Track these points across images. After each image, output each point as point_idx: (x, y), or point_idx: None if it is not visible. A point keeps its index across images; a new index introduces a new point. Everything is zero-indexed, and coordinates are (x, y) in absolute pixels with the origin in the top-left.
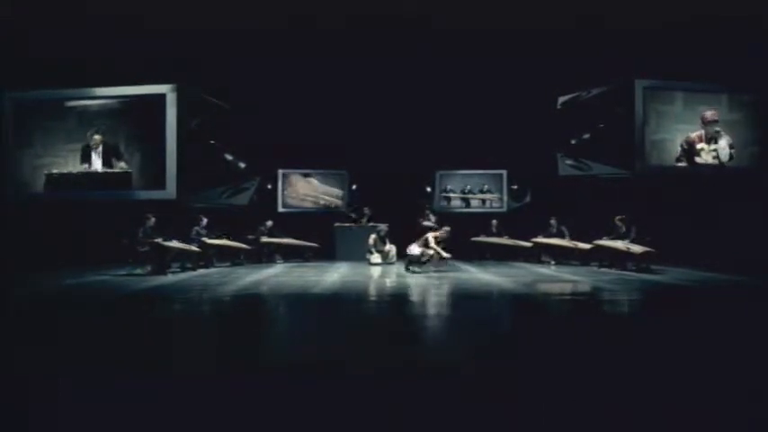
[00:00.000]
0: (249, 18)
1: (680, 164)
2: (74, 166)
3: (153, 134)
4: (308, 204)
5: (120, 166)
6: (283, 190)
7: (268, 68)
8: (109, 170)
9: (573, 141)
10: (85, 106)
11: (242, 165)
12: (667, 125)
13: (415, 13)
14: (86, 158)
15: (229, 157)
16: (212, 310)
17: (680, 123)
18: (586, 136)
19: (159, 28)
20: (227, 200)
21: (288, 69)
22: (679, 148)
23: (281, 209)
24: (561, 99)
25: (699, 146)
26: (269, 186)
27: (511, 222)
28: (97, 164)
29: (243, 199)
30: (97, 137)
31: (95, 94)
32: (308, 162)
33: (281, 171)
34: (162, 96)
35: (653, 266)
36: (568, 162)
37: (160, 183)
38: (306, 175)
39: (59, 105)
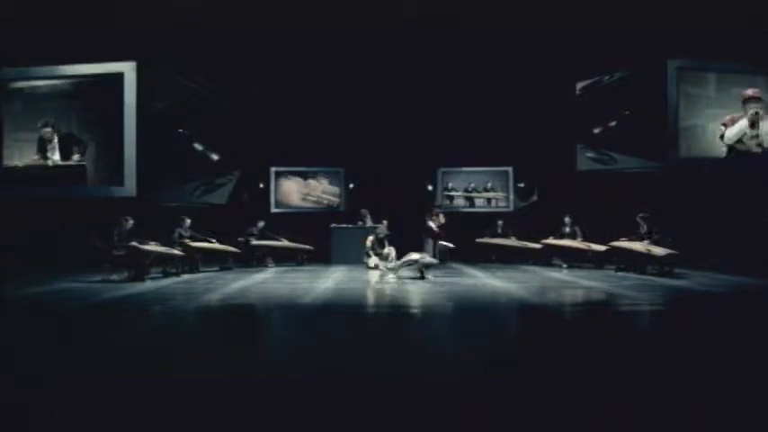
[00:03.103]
0: (248, 16)
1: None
2: (20, 158)
3: (110, 121)
4: (302, 204)
5: (76, 158)
6: (276, 189)
7: (265, 66)
8: (61, 163)
9: (595, 131)
10: (33, 87)
11: (214, 156)
12: (698, 110)
13: (416, 12)
14: (42, 150)
15: (199, 147)
16: (189, 322)
17: (712, 108)
18: (610, 125)
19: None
20: (201, 198)
21: (286, 66)
22: (719, 139)
23: (273, 209)
24: (580, 84)
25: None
26: (261, 185)
27: (518, 222)
28: (55, 156)
29: (220, 197)
30: (47, 130)
31: (44, 74)
32: (304, 159)
33: (273, 169)
34: (120, 76)
35: (675, 270)
36: (589, 155)
37: (118, 178)
38: (301, 174)
39: (2, 87)
